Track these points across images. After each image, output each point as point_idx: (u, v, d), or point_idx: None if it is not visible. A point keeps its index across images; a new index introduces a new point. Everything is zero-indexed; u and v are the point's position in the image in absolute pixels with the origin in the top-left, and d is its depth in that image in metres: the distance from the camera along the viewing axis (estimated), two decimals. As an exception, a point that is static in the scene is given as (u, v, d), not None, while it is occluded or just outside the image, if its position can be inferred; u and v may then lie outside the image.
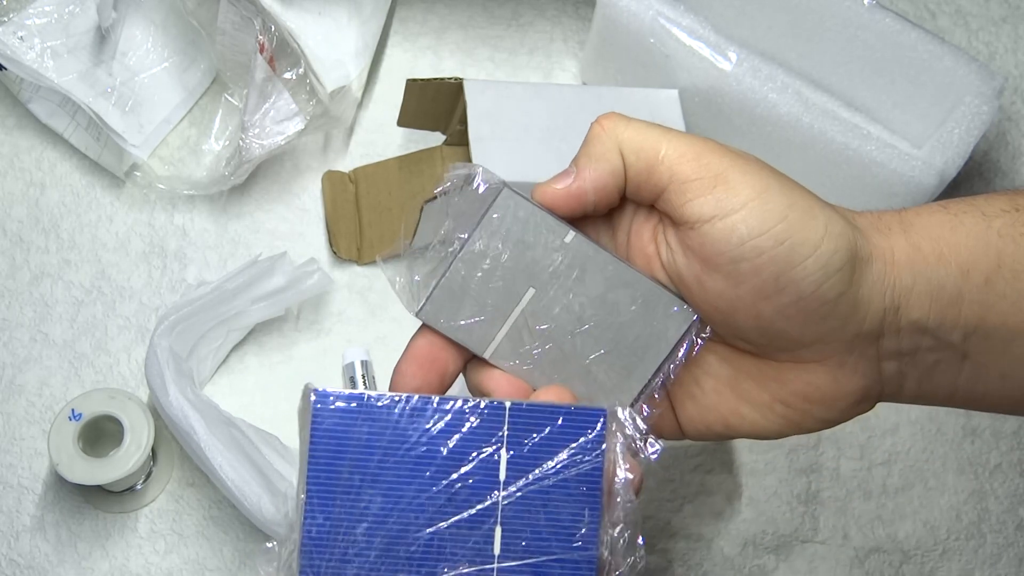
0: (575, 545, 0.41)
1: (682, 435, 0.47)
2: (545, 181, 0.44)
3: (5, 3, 0.71)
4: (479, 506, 0.41)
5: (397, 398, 0.42)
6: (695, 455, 0.69)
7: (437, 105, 0.70)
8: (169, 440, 0.66)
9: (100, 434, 0.63)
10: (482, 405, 0.42)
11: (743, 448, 0.70)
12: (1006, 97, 0.82)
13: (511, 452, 0.41)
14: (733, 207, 0.40)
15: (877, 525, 0.69)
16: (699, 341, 0.44)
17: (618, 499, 0.41)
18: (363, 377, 0.68)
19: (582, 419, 0.42)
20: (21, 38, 0.70)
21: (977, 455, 0.71)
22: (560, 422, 0.42)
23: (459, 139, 0.72)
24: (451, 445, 0.41)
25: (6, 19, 0.70)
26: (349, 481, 0.41)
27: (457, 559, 0.41)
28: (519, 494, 0.41)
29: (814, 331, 0.42)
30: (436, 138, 0.74)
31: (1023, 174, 0.80)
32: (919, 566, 0.69)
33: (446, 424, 0.41)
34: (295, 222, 0.73)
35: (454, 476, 0.41)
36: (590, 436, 0.41)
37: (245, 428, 0.61)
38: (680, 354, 0.44)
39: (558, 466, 0.41)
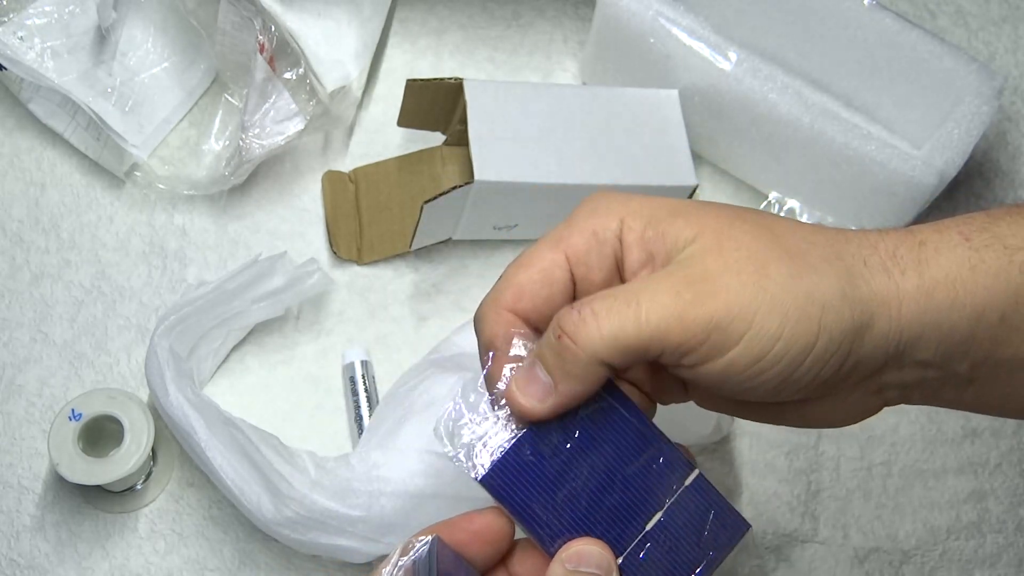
0: None
1: (687, 399, 0.48)
2: (515, 384, 0.42)
3: (5, 3, 0.71)
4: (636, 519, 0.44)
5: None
6: (695, 455, 0.69)
7: (437, 105, 0.70)
8: (169, 440, 0.66)
9: (100, 434, 0.63)
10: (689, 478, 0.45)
11: (743, 448, 0.70)
12: (1006, 97, 0.82)
13: (675, 504, 0.44)
14: (728, 346, 0.40)
15: (877, 525, 0.69)
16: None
17: None
18: (363, 377, 0.68)
19: (731, 521, 0.45)
20: (21, 38, 0.70)
21: (977, 455, 0.71)
22: (713, 515, 0.45)
23: (459, 139, 0.72)
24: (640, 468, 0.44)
25: (6, 19, 0.70)
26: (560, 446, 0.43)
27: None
28: (654, 537, 0.44)
29: (817, 392, 0.42)
30: (436, 138, 0.74)
31: (1023, 174, 0.80)
32: (919, 566, 0.68)
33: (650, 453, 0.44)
34: (295, 222, 0.73)
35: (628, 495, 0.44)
36: (725, 540, 0.45)
37: (245, 428, 0.61)
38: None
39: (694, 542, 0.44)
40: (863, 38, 0.73)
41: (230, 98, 0.74)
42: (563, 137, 0.68)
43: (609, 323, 0.40)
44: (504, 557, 0.45)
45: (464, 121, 0.68)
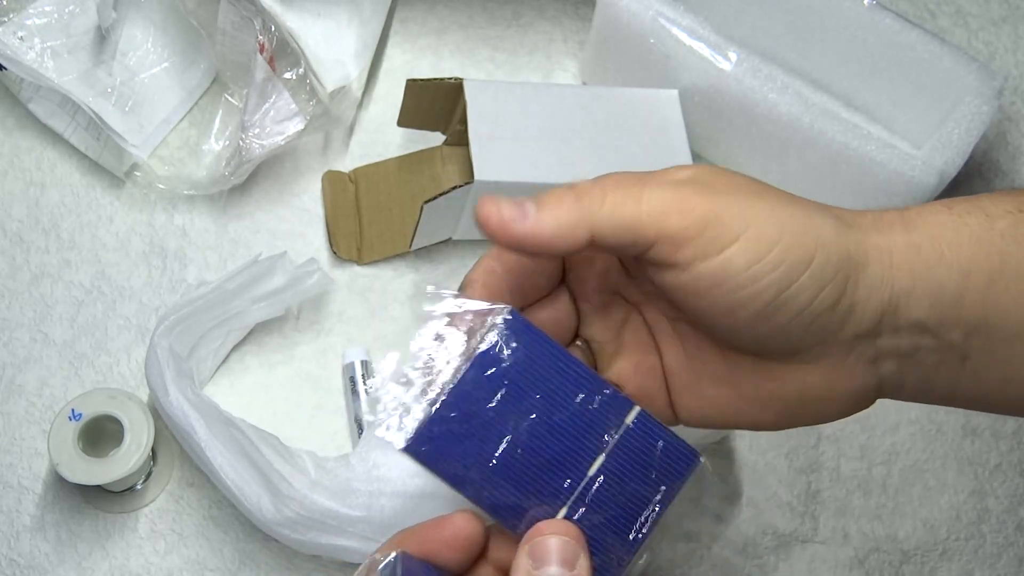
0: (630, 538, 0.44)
1: (676, 420, 0.47)
2: (495, 199, 0.41)
3: (5, 3, 0.71)
4: (573, 476, 0.43)
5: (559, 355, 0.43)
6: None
7: (437, 105, 0.70)
8: (169, 440, 0.66)
9: (100, 434, 0.63)
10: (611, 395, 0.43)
11: (743, 448, 0.70)
12: (1006, 97, 0.82)
13: (619, 445, 0.43)
14: (726, 242, 0.40)
15: (877, 525, 0.69)
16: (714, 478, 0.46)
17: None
18: (363, 377, 0.68)
19: (681, 454, 0.45)
20: (21, 38, 0.70)
21: (977, 455, 0.71)
22: (661, 448, 0.44)
23: (459, 139, 0.72)
24: (578, 411, 0.43)
25: (6, 19, 0.70)
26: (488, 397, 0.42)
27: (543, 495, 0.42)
28: (603, 478, 0.43)
29: (812, 338, 0.42)
30: (436, 138, 0.74)
31: (1023, 174, 0.80)
32: (919, 566, 0.69)
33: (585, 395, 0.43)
34: (295, 222, 0.73)
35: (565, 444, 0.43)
36: (678, 472, 0.45)
37: (245, 428, 0.61)
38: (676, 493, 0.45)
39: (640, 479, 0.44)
40: (863, 38, 0.73)
41: (230, 98, 0.74)
42: (563, 137, 0.68)
43: (613, 196, 0.41)
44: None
45: (464, 121, 0.68)
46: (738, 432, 0.69)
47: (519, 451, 0.42)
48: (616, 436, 0.43)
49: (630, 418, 0.43)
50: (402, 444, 0.41)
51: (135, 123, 0.72)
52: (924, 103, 0.73)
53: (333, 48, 0.72)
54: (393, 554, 0.41)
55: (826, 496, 0.69)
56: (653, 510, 0.44)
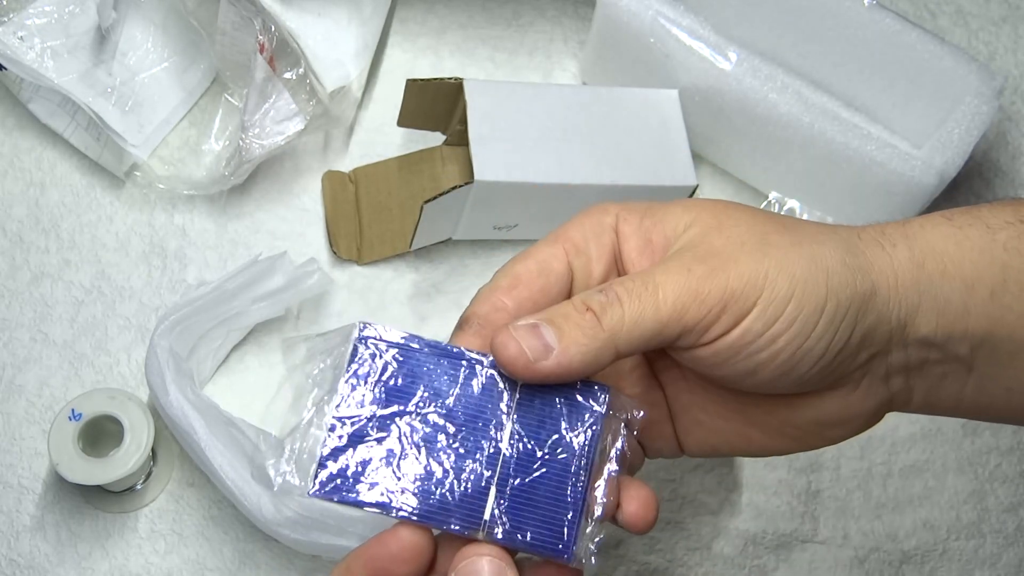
0: (560, 504, 0.42)
1: (682, 453, 0.47)
2: (516, 333, 0.41)
3: (5, 3, 0.71)
4: (480, 455, 0.42)
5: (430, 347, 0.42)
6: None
7: (437, 105, 0.70)
8: (169, 440, 0.66)
9: (100, 434, 0.63)
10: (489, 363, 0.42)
11: (743, 448, 0.70)
12: (1006, 97, 0.82)
13: (519, 411, 0.42)
14: (743, 314, 0.40)
15: (877, 525, 0.69)
16: (638, 414, 0.43)
17: (607, 469, 0.42)
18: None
19: (589, 393, 0.42)
20: (21, 38, 0.70)
21: (977, 455, 0.71)
22: (565, 394, 0.42)
23: (459, 139, 0.72)
24: (462, 393, 0.42)
25: (6, 19, 0.70)
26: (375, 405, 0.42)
27: (453, 499, 0.41)
28: (518, 449, 0.42)
29: (830, 377, 0.42)
30: (436, 138, 0.74)
31: (1023, 174, 0.80)
32: (919, 566, 0.69)
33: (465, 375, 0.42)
34: (295, 222, 0.73)
35: (462, 423, 0.42)
36: (592, 409, 0.42)
37: (245, 428, 0.61)
38: (617, 442, 0.43)
39: (556, 432, 0.42)
40: (863, 38, 0.73)
41: (230, 98, 0.74)
42: (563, 137, 0.68)
43: (630, 308, 0.40)
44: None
45: (464, 121, 0.68)
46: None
47: (423, 451, 0.41)
48: (515, 400, 0.42)
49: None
50: (310, 490, 0.41)
51: (135, 123, 0.72)
52: (924, 103, 0.73)
53: (333, 48, 0.72)
54: None
55: (826, 496, 0.69)
56: (581, 460, 0.42)
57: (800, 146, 0.70)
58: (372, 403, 0.42)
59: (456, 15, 0.80)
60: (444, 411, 0.42)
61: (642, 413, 0.42)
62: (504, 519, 0.41)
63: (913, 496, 0.70)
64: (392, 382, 0.42)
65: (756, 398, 0.44)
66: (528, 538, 0.41)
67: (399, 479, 0.41)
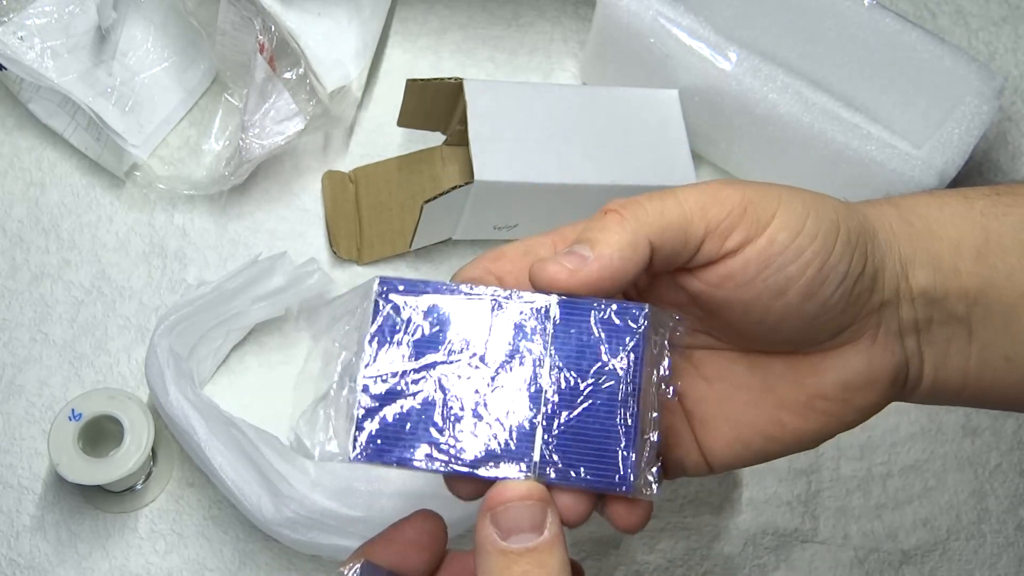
0: (613, 433, 0.40)
1: (708, 468, 0.45)
2: (549, 258, 0.40)
3: (5, 3, 0.71)
4: (523, 390, 0.40)
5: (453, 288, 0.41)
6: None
7: (437, 105, 0.70)
8: (169, 440, 0.66)
9: (100, 434, 0.63)
10: (532, 305, 0.41)
11: (743, 448, 0.70)
12: (1006, 97, 0.82)
13: (555, 344, 0.40)
14: (766, 221, 0.41)
15: (877, 525, 0.69)
16: (680, 331, 0.42)
17: (654, 395, 0.41)
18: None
19: (629, 314, 0.40)
20: (21, 38, 0.70)
21: (977, 455, 0.71)
22: (603, 317, 0.40)
23: (459, 139, 0.72)
24: (499, 334, 0.40)
25: (6, 19, 0.70)
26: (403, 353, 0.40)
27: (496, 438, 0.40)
28: (560, 383, 0.40)
29: (852, 310, 0.42)
30: (436, 138, 0.74)
31: (1023, 174, 0.80)
32: (919, 566, 0.69)
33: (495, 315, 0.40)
34: (295, 222, 0.73)
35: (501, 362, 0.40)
36: (632, 330, 0.40)
37: (245, 428, 0.61)
38: (663, 359, 0.41)
39: (599, 359, 0.40)
40: (863, 38, 0.73)
41: (230, 98, 0.74)
42: (563, 137, 0.68)
43: (652, 205, 0.41)
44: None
45: (464, 121, 0.68)
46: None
47: (462, 399, 0.40)
48: (549, 333, 0.40)
49: (553, 310, 0.41)
50: (351, 455, 0.39)
51: (135, 123, 0.72)
52: (924, 103, 0.73)
53: (333, 48, 0.72)
54: (357, 564, 0.40)
55: (826, 496, 0.69)
56: (628, 386, 0.40)
57: (800, 146, 0.70)
58: (402, 358, 0.40)
59: (456, 15, 0.80)
60: (477, 355, 0.40)
61: (683, 324, 0.42)
62: (555, 458, 0.39)
63: (913, 496, 0.70)
64: (419, 333, 0.40)
65: (782, 372, 0.44)
66: (582, 475, 0.39)
67: (441, 432, 0.39)
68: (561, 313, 0.40)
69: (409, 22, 0.80)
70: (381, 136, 0.76)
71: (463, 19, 0.80)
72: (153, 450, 0.65)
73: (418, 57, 0.79)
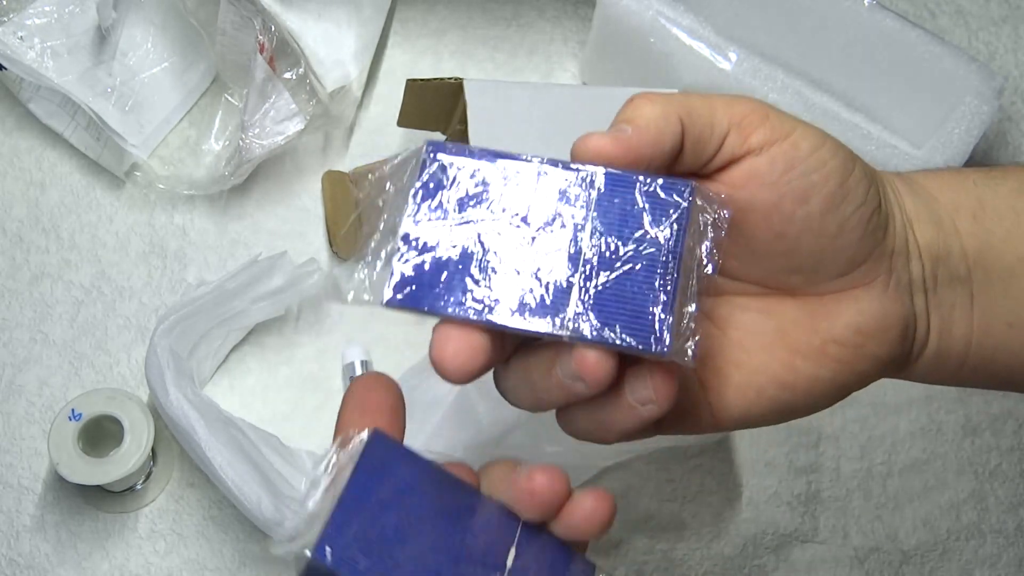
0: (651, 307, 0.39)
1: (715, 423, 0.44)
2: (591, 133, 0.42)
3: (5, 3, 0.71)
4: (561, 256, 0.40)
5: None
6: (695, 455, 0.69)
7: (437, 105, 0.70)
8: (169, 440, 0.66)
9: (100, 434, 0.63)
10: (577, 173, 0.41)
11: (743, 448, 0.70)
12: (1006, 97, 0.82)
13: (598, 211, 0.40)
14: (787, 130, 0.42)
15: (877, 525, 0.69)
16: (724, 213, 0.41)
17: (694, 269, 0.40)
18: (363, 377, 0.68)
19: (669, 188, 0.40)
20: (21, 38, 0.70)
21: (977, 455, 0.71)
22: (648, 190, 0.40)
23: (459, 139, 0.72)
24: (538, 203, 0.40)
25: (6, 19, 0.70)
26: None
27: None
28: (600, 247, 0.40)
29: (867, 244, 0.43)
30: (436, 138, 0.74)
31: (1023, 174, 0.80)
32: (919, 566, 0.69)
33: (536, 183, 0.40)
34: (295, 222, 0.73)
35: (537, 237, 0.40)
36: (677, 203, 0.40)
37: (245, 428, 0.61)
38: (706, 236, 0.41)
39: (640, 233, 0.40)
40: (863, 38, 0.73)
41: (230, 98, 0.74)
42: (563, 137, 0.68)
43: (679, 95, 0.42)
44: None
45: (464, 121, 0.67)
46: (738, 432, 0.69)
47: (500, 255, 0.40)
48: (592, 200, 0.40)
49: (599, 180, 0.41)
50: (384, 299, 0.39)
51: (135, 123, 0.72)
52: (924, 103, 0.73)
53: (333, 48, 0.72)
54: (366, 432, 0.39)
55: (826, 496, 0.69)
56: (669, 254, 0.39)
57: (800, 146, 0.70)
58: (444, 213, 0.40)
59: (456, 15, 0.80)
60: (519, 215, 0.40)
61: (728, 211, 0.41)
62: (590, 316, 0.39)
63: (913, 496, 0.70)
64: (464, 191, 0.40)
65: (795, 317, 0.44)
66: (618, 333, 0.38)
67: (476, 283, 0.39)
68: (606, 183, 0.41)
69: (409, 22, 0.80)
70: (381, 136, 0.76)
71: (463, 19, 0.80)
72: (153, 450, 0.65)
73: (418, 57, 0.79)
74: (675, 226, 0.40)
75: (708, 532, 0.68)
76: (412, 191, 0.40)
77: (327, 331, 0.70)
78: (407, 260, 0.40)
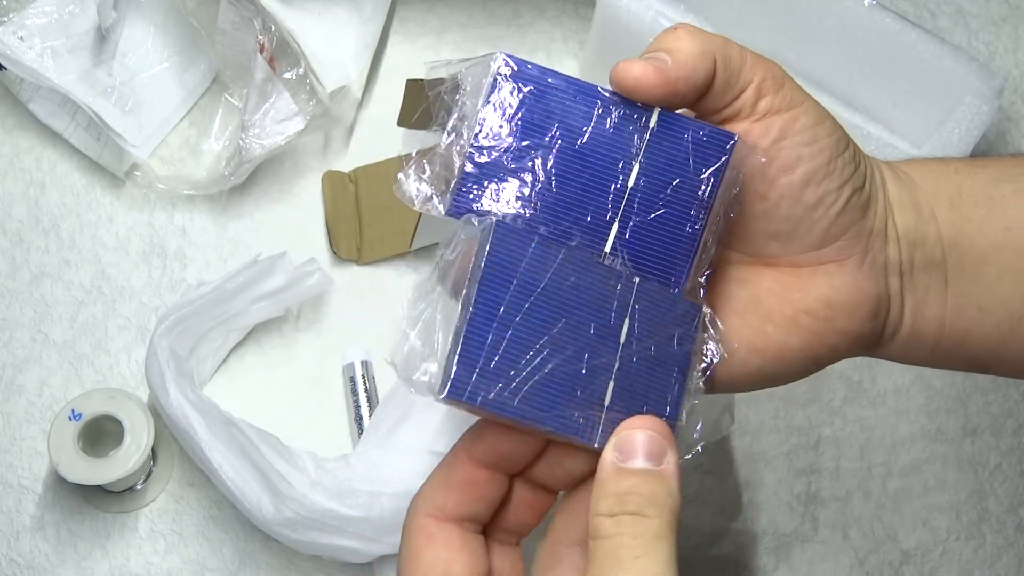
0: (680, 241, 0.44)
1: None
2: (632, 59, 0.44)
3: (5, 3, 0.71)
4: (606, 195, 0.43)
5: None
6: (695, 455, 0.69)
7: (437, 105, 0.70)
8: (169, 440, 0.66)
9: (100, 434, 0.63)
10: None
11: (743, 448, 0.70)
12: (1006, 97, 0.82)
13: (647, 152, 0.44)
14: (796, 102, 0.44)
15: (877, 525, 0.69)
16: (761, 158, 0.44)
17: (721, 210, 0.44)
18: (363, 377, 0.68)
19: (715, 137, 0.44)
20: (21, 38, 0.70)
21: (977, 455, 0.71)
22: (697, 136, 0.44)
23: (459, 139, 0.72)
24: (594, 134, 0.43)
25: (6, 19, 0.70)
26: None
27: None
28: (643, 189, 0.43)
29: (845, 221, 0.45)
30: (436, 138, 0.74)
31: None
32: (919, 566, 0.69)
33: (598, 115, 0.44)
34: (295, 222, 0.73)
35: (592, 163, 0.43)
36: (719, 154, 0.44)
37: (245, 428, 0.61)
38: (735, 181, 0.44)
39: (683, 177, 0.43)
40: (863, 38, 0.73)
41: (230, 98, 0.74)
42: (563, 137, 0.68)
43: (719, 36, 0.44)
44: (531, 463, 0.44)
45: (464, 121, 0.67)
46: (738, 431, 0.69)
47: (554, 181, 0.43)
48: (645, 140, 0.44)
49: (653, 120, 0.44)
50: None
51: (135, 123, 0.72)
52: (924, 103, 0.73)
53: (333, 48, 0.72)
54: (489, 219, 0.42)
55: (826, 496, 0.69)
56: (702, 203, 0.43)
57: (800, 146, 0.70)
58: (509, 135, 0.43)
59: (456, 15, 0.80)
60: (576, 146, 0.43)
61: (764, 159, 0.44)
62: (623, 253, 0.43)
63: (913, 496, 0.70)
64: (529, 116, 0.43)
65: (770, 287, 0.46)
66: (645, 272, 0.43)
67: (530, 203, 0.42)
68: (659, 124, 0.44)
69: (409, 22, 0.80)
70: (381, 136, 0.76)
71: (463, 19, 0.80)
72: (153, 450, 0.65)
73: (418, 57, 0.79)
74: (713, 177, 0.43)
75: (708, 532, 0.68)
76: (482, 108, 0.43)
77: (327, 331, 0.70)
78: (466, 176, 0.42)
